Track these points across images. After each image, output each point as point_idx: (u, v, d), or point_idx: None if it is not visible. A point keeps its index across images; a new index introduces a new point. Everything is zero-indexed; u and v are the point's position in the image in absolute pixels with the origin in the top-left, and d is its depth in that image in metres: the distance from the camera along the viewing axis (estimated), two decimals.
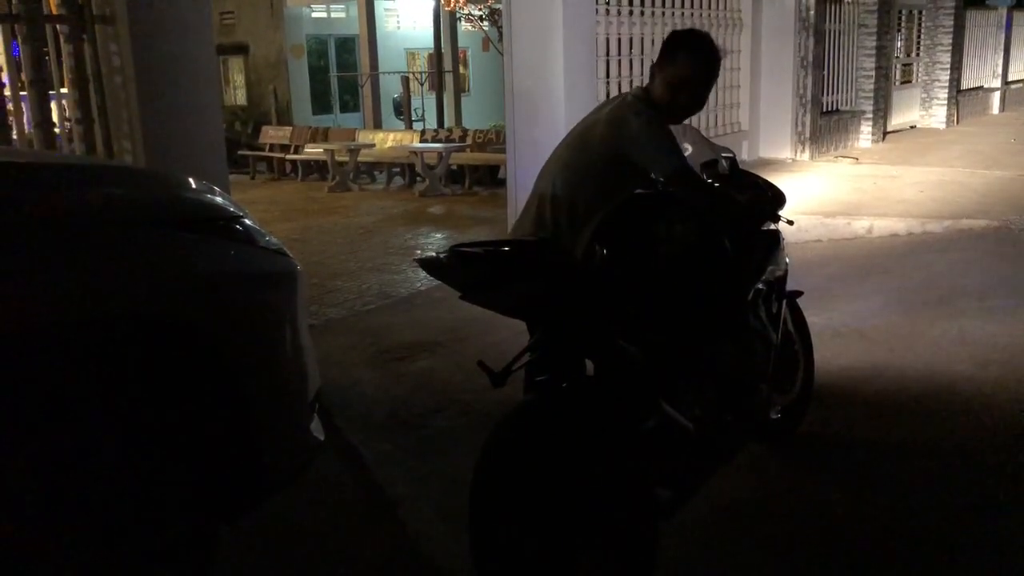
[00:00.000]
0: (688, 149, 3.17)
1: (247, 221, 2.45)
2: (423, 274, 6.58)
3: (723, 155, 3.22)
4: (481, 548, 2.39)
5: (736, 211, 3.00)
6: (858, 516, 3.03)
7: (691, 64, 2.83)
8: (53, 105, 4.66)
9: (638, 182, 2.87)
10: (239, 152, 14.06)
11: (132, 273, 2.07)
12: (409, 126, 15.94)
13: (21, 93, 4.56)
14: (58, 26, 4.53)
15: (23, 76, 4.49)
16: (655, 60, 2.93)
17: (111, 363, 2.07)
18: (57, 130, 4.70)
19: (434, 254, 2.42)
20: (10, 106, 4.43)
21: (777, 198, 3.27)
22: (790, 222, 3.30)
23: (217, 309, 2.23)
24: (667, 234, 2.92)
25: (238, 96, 17.45)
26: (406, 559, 2.90)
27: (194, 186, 2.49)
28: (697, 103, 2.92)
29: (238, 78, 17.66)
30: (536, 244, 2.74)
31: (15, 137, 4.49)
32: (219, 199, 2.50)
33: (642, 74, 8.43)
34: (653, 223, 2.94)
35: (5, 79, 4.56)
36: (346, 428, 3.89)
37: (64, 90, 4.71)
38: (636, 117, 2.78)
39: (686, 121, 3.11)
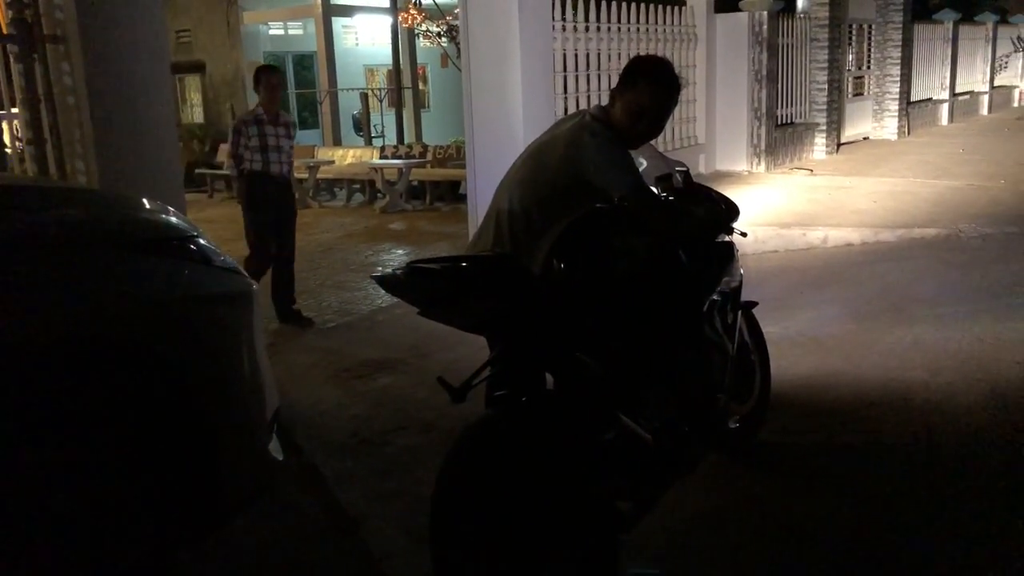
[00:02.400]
0: (643, 164, 3.21)
1: (201, 241, 2.43)
2: (383, 291, 6.56)
3: (677, 169, 3.27)
4: (443, 564, 2.39)
5: (691, 226, 3.04)
6: (819, 521, 3.08)
7: (651, 92, 2.86)
8: (4, 126, 4.59)
9: (594, 199, 2.90)
10: (196, 170, 13.91)
11: (84, 294, 2.05)
12: (369, 142, 15.89)
13: None
14: (7, 46, 4.47)
15: None
16: (615, 84, 2.95)
17: (61, 385, 2.04)
18: (8, 151, 4.62)
19: (392, 271, 2.43)
20: None
21: (730, 211, 3.32)
22: (744, 234, 3.35)
23: (171, 329, 2.22)
24: (623, 247, 2.94)
25: (195, 114, 17.27)
26: None
27: (148, 206, 2.48)
28: (655, 130, 2.95)
29: (195, 96, 17.49)
30: (494, 259, 2.76)
31: None
32: (173, 219, 2.49)
33: (600, 89, 8.51)
34: (610, 237, 2.97)
35: None
36: (307, 447, 3.86)
37: (15, 110, 4.64)
38: (593, 138, 2.81)
39: None
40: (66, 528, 2.04)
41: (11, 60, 4.49)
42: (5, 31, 4.51)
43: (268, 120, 5.87)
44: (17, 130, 4.68)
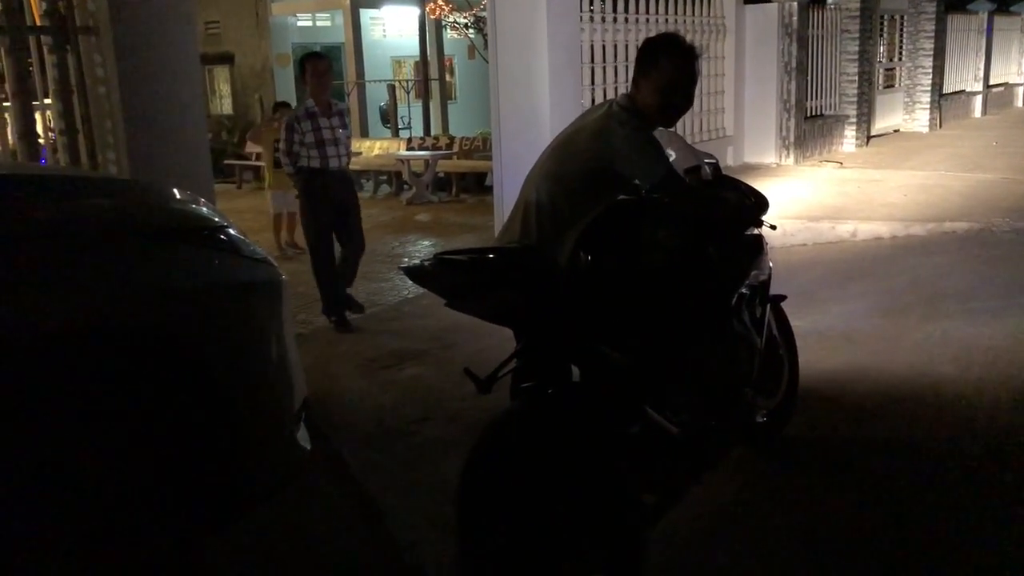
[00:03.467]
0: (672, 155, 3.19)
1: (231, 231, 2.45)
2: (410, 282, 6.57)
3: (706, 161, 3.24)
4: (468, 555, 2.39)
5: (724, 213, 3.02)
6: (844, 517, 3.05)
7: (676, 65, 2.87)
8: (37, 116, 4.64)
9: (622, 191, 2.89)
10: (225, 161, 14.02)
11: (114, 284, 2.07)
12: (396, 134, 15.94)
13: (4, 104, 4.54)
14: (41, 37, 4.52)
15: (7, 88, 4.48)
16: (635, 70, 2.95)
17: (93, 373, 2.06)
18: (41, 141, 4.68)
19: (419, 262, 2.43)
20: None
21: (760, 203, 3.30)
22: (773, 227, 3.32)
23: (201, 319, 2.23)
24: (651, 240, 2.93)
25: (224, 105, 17.40)
26: (395, 568, 2.89)
27: (178, 196, 2.50)
28: (688, 101, 2.96)
29: (224, 87, 17.61)
30: (521, 251, 2.75)
31: None
32: (203, 209, 2.51)
33: (627, 80, 8.47)
34: (637, 229, 2.96)
35: None
36: (333, 437, 3.89)
37: (48, 101, 4.69)
38: (621, 127, 2.80)
39: (674, 127, 3.14)
40: (95, 514, 2.07)
41: (45, 51, 4.53)
42: (39, 22, 4.57)
43: (321, 112, 5.60)
44: (50, 120, 4.73)
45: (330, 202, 5.64)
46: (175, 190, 2.55)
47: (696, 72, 2.93)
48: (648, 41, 2.99)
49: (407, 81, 18.76)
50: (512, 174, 7.04)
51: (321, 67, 5.63)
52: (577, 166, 2.85)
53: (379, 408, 4.27)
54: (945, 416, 3.81)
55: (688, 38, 3.05)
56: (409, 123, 17.33)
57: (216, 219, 2.47)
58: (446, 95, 18.53)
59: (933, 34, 14.57)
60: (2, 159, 4.51)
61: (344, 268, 5.82)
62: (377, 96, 17.50)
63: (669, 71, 2.86)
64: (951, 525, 2.98)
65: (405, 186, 12.16)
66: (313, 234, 5.68)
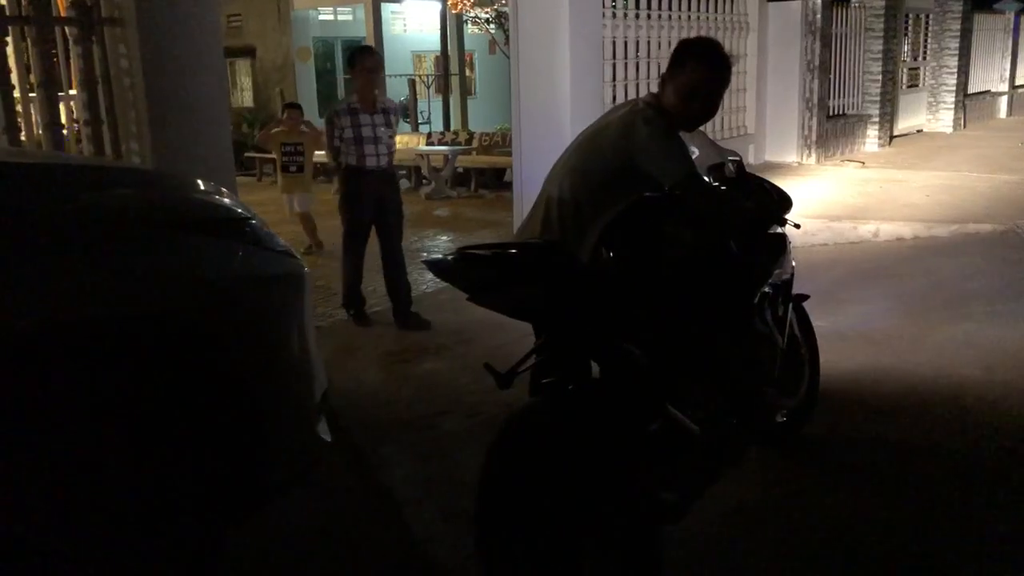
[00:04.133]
0: (695, 152, 3.17)
1: (254, 222, 2.46)
2: (429, 276, 6.59)
3: (730, 159, 3.22)
4: (487, 550, 2.39)
5: (744, 217, 3.00)
6: (864, 519, 3.03)
7: (701, 72, 2.83)
8: (61, 106, 4.68)
9: (646, 188, 2.87)
10: (246, 154, 14.08)
11: (139, 274, 2.08)
12: (415, 129, 15.95)
13: (30, 95, 4.58)
14: (67, 28, 4.55)
15: (32, 78, 4.52)
16: (665, 69, 2.93)
17: (117, 362, 2.07)
18: (65, 131, 4.71)
19: (442, 256, 2.43)
20: (19, 107, 4.44)
21: (783, 201, 3.27)
22: (797, 225, 3.30)
23: (224, 310, 2.24)
24: (673, 237, 2.91)
25: (245, 98, 17.48)
26: (412, 561, 2.90)
27: (202, 187, 2.50)
28: (709, 111, 2.91)
29: (245, 80, 17.70)
30: (543, 247, 2.74)
31: (24, 138, 4.51)
32: (227, 200, 2.52)
33: (648, 77, 8.44)
34: (660, 226, 2.94)
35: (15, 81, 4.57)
36: (352, 430, 3.90)
37: (72, 92, 4.73)
38: (646, 124, 2.78)
39: None
40: (117, 503, 2.08)
41: (70, 42, 4.56)
42: (64, 13, 4.60)
43: (363, 109, 5.42)
44: (74, 110, 4.77)
45: (367, 204, 5.50)
46: (199, 181, 2.56)
47: (724, 82, 2.89)
48: (683, 42, 2.96)
49: (427, 76, 18.77)
50: (532, 170, 7.03)
51: (369, 63, 5.45)
52: (601, 163, 2.84)
53: (397, 401, 4.28)
54: (969, 419, 3.77)
55: (710, 36, 3.02)
56: (429, 118, 17.34)
57: (240, 211, 2.48)
58: (466, 90, 18.51)
59: (959, 33, 14.44)
60: (28, 148, 4.54)
61: (390, 285, 5.64)
62: (397, 91, 17.52)
63: (693, 77, 2.83)
64: (973, 529, 2.95)
65: (424, 181, 12.17)
66: (346, 230, 5.62)
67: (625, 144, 2.80)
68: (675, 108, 2.85)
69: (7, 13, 4.33)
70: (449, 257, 2.38)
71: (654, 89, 3.01)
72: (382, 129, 5.47)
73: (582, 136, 3.00)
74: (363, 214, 5.53)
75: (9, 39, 4.48)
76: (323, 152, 6.34)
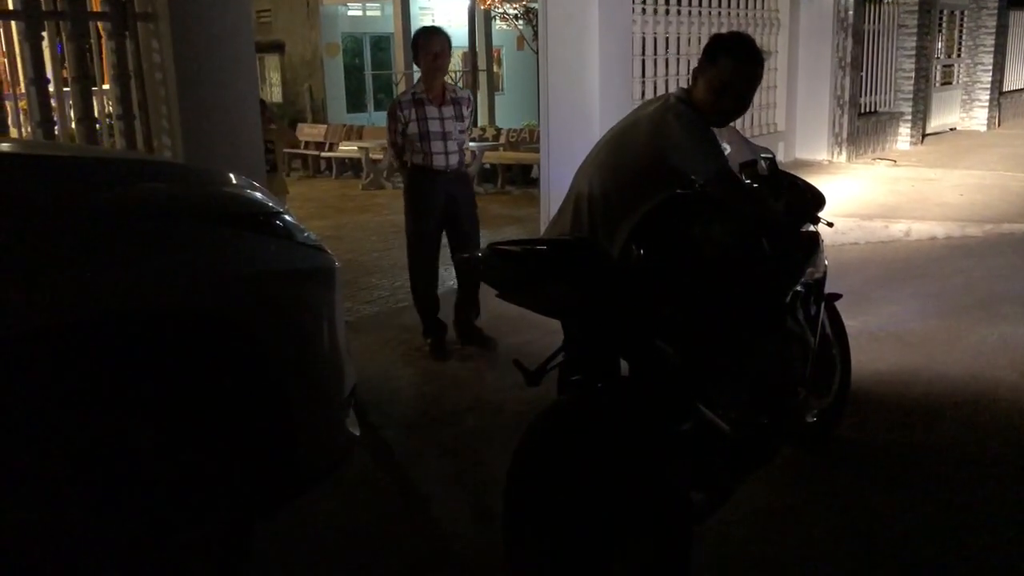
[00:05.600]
0: (727, 149, 3.14)
1: (287, 217, 2.46)
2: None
3: (762, 156, 3.19)
4: (514, 548, 2.38)
5: (776, 215, 2.97)
6: (895, 521, 2.99)
7: (733, 67, 2.80)
8: (95, 101, 4.72)
9: (677, 184, 2.85)
10: None
11: (174, 267, 2.09)
12: None
13: (64, 89, 4.62)
14: (100, 23, 4.59)
15: (66, 72, 4.56)
16: (697, 63, 2.90)
17: (148, 356, 2.08)
18: (98, 125, 4.75)
19: (470, 252, 2.42)
20: (53, 102, 4.48)
21: (817, 200, 3.24)
22: (830, 224, 3.26)
23: (257, 304, 2.25)
24: (705, 235, 2.89)
25: (274, 94, 17.59)
26: (439, 557, 2.90)
27: (235, 182, 2.51)
28: (741, 107, 2.89)
29: (274, 76, 17.81)
30: (574, 243, 2.72)
31: (58, 132, 4.56)
32: (258, 195, 2.52)
33: (678, 74, 8.38)
34: (691, 223, 2.92)
35: (50, 75, 4.62)
36: (379, 425, 3.91)
37: (105, 86, 4.77)
38: (678, 120, 2.76)
39: None
40: (147, 498, 2.09)
41: (104, 37, 4.60)
42: (98, 8, 4.64)
43: (430, 99, 4.71)
44: (107, 105, 4.81)
45: (434, 208, 4.79)
46: (231, 175, 2.57)
47: (756, 77, 2.87)
48: (715, 37, 2.93)
49: (455, 72, 18.78)
50: (559, 166, 7.01)
51: (435, 47, 4.66)
52: (632, 159, 2.82)
53: (424, 397, 4.29)
54: (1002, 422, 3.71)
55: (742, 31, 2.99)
56: None
57: (272, 205, 2.48)
58: (493, 86, 18.50)
59: (994, 30, 14.22)
60: (63, 141, 4.59)
61: (462, 295, 5.03)
62: None
63: (725, 72, 2.80)
64: (1002, 534, 2.90)
65: None
66: (410, 242, 4.96)
67: (656, 140, 2.78)
68: (706, 103, 2.83)
69: (43, 8, 4.36)
70: (480, 253, 2.38)
71: (684, 85, 2.99)
72: (452, 123, 4.75)
73: (612, 132, 2.98)
74: (430, 223, 4.85)
75: (44, 34, 4.53)
76: (292, 148, 5.80)
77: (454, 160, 4.79)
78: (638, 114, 2.96)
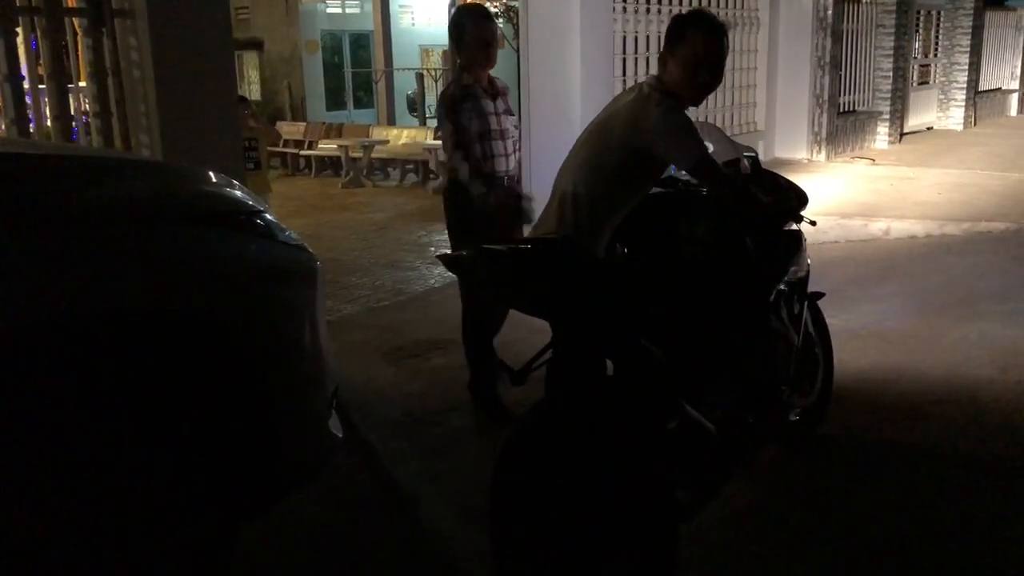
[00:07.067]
0: (710, 148, 3.13)
1: (267, 216, 2.43)
2: (438, 271, 6.57)
3: (745, 154, 3.19)
4: (500, 548, 2.37)
5: (759, 207, 2.97)
6: (877, 519, 3.00)
7: (704, 38, 2.80)
8: (71, 98, 4.65)
9: (659, 174, 2.84)
10: None
11: (152, 267, 2.06)
12: (423, 123, 15.93)
13: (39, 86, 4.55)
14: (76, 19, 4.52)
15: (41, 69, 4.49)
16: (663, 47, 2.89)
17: (128, 357, 2.05)
18: (74, 123, 4.69)
19: (457, 252, 2.41)
20: (28, 99, 4.42)
21: (800, 198, 3.24)
22: (813, 222, 3.26)
23: (237, 303, 2.22)
24: (689, 233, 2.88)
25: (252, 91, 17.47)
26: (423, 557, 2.88)
27: (214, 180, 2.47)
28: (716, 78, 2.87)
29: (252, 73, 17.69)
30: (559, 242, 2.72)
31: (33, 130, 4.49)
32: (239, 193, 2.49)
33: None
34: (675, 222, 2.91)
35: (24, 72, 4.55)
36: (362, 425, 3.88)
37: (82, 83, 4.70)
38: (656, 108, 2.75)
39: (707, 120, 3.07)
40: (129, 499, 2.06)
41: (80, 34, 4.53)
42: (74, 4, 4.57)
43: (483, 92, 3.92)
44: (83, 102, 4.74)
45: (490, 223, 3.65)
46: (210, 173, 2.53)
47: (724, 48, 2.87)
48: (677, 17, 2.93)
49: (435, 70, 18.73)
50: (540, 164, 6.99)
51: (487, 33, 3.92)
52: (613, 155, 2.81)
53: (406, 396, 4.26)
54: (982, 420, 3.73)
55: (704, 8, 2.99)
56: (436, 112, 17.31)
57: (252, 203, 2.45)
58: None
59: (970, 30, 14.36)
60: (38, 140, 4.52)
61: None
62: (405, 84, 17.49)
63: (697, 45, 2.79)
64: (984, 532, 2.92)
65: (432, 175, 12.14)
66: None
67: (636, 131, 2.76)
68: (682, 82, 2.81)
69: (17, 4, 4.29)
70: (464, 252, 2.36)
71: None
72: (507, 119, 4.00)
73: (591, 127, 2.96)
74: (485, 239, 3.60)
75: (19, 30, 4.45)
76: (275, 146, 5.03)
77: (513, 164, 3.99)
78: (614, 107, 2.94)
